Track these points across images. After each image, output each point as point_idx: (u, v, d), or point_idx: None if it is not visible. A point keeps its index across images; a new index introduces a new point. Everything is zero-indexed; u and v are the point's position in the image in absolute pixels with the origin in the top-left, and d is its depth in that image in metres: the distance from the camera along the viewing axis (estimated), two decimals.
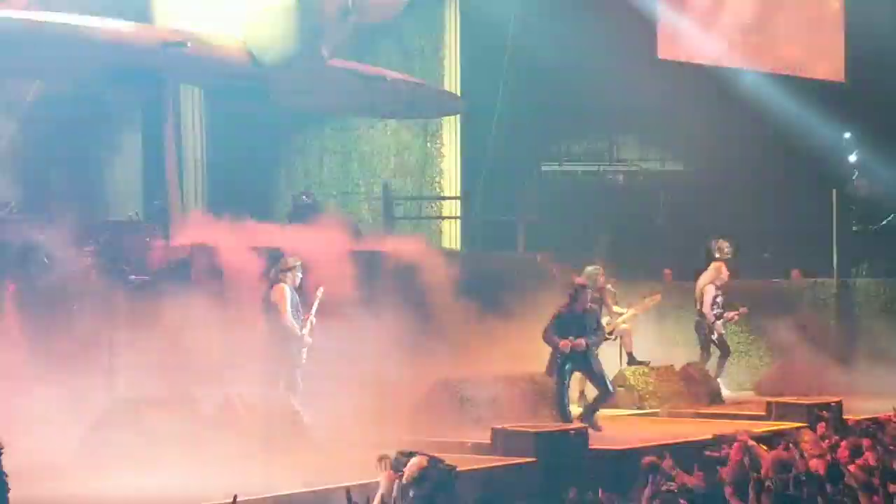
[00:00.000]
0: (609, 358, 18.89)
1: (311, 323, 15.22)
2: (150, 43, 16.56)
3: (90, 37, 16.17)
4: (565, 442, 13.41)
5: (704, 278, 19.96)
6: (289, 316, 15.02)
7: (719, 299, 19.88)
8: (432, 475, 9.43)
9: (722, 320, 19.87)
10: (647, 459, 11.26)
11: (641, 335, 19.54)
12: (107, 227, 17.90)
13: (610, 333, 18.67)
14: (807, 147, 25.85)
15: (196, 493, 10.63)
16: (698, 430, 15.07)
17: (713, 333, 19.83)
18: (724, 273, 19.98)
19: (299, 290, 15.47)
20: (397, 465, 9.65)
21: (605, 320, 18.72)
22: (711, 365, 19.95)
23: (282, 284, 15.21)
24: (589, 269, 18.87)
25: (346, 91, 19.29)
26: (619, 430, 16.00)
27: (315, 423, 14.34)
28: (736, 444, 12.23)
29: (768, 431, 14.81)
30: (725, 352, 20.11)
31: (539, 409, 16.16)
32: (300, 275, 15.41)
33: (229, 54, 17.22)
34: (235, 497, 7.56)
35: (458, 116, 25.41)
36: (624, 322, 19.14)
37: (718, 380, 19.70)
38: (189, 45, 16.65)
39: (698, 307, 19.92)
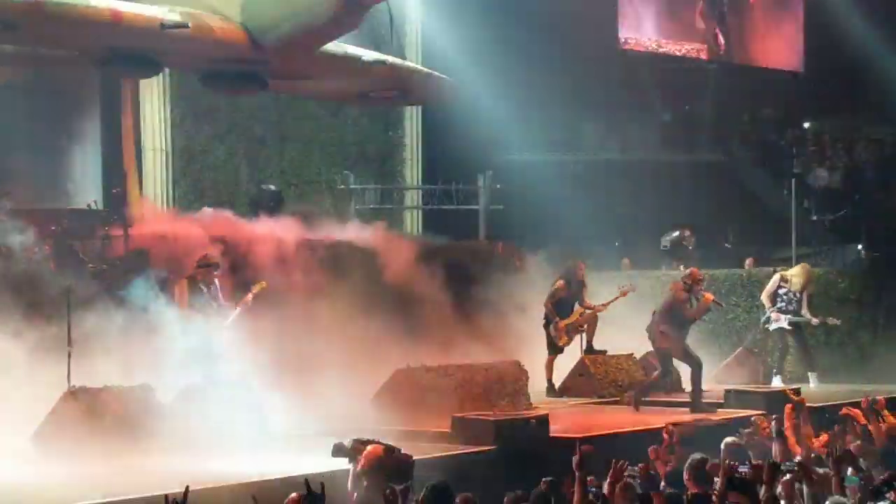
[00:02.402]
0: (569, 347, 18.97)
1: (237, 312, 15.18)
2: (149, 24, 16.40)
3: (88, 16, 16.01)
4: (525, 430, 13.43)
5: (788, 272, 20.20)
6: (186, 309, 14.96)
7: (782, 291, 19.94)
8: (388, 464, 9.41)
9: (787, 317, 19.87)
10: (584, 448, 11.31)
11: (605, 324, 19.54)
12: (65, 215, 17.83)
13: (580, 326, 18.82)
14: (767, 137, 25.98)
15: (151, 482, 10.59)
16: (657, 418, 15.11)
17: (769, 324, 20.02)
18: (801, 273, 20.12)
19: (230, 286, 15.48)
20: (353, 454, 9.63)
21: (577, 312, 18.81)
22: (774, 360, 20.17)
23: (186, 279, 15.19)
24: (568, 262, 19.05)
25: (345, 76, 19.17)
26: (578, 417, 16.03)
27: (275, 412, 14.31)
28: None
29: (726, 419, 14.88)
30: (784, 349, 20.16)
31: (499, 397, 16.16)
32: (216, 273, 15.35)
33: (228, 36, 17.08)
34: (187, 488, 7.51)
35: (419, 106, 25.38)
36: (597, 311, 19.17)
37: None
38: (190, 25, 16.50)
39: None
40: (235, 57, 17.42)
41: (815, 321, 20.07)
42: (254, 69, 17.97)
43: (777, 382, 19.44)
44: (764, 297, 20.00)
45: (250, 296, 15.37)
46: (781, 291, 19.94)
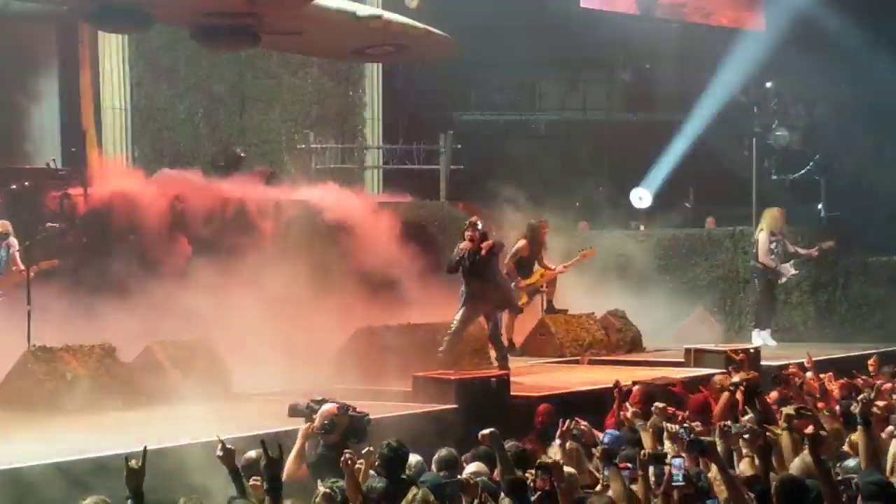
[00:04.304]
0: (531, 306, 19.02)
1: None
2: None
3: None
4: (486, 389, 13.45)
5: (761, 225, 20.06)
6: None
7: (773, 246, 19.80)
8: (343, 423, 9.42)
9: (790, 263, 19.84)
10: (543, 407, 11.38)
11: (564, 283, 19.58)
12: (23, 173, 17.73)
13: (541, 286, 18.84)
14: (727, 96, 26.01)
15: (112, 442, 10.57)
16: (617, 377, 15.13)
17: (781, 279, 19.96)
18: (775, 219, 19.97)
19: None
20: (309, 414, 9.63)
21: (538, 273, 18.82)
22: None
23: None
24: (532, 222, 18.96)
25: (339, 32, 18.96)
26: (539, 377, 16.07)
27: (238, 372, 14.30)
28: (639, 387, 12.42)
29: (687, 378, 14.95)
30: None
31: (461, 356, 16.18)
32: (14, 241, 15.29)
33: None
34: (145, 449, 7.49)
35: (381, 65, 25.29)
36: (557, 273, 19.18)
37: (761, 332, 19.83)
38: None
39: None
40: (228, 10, 17.19)
41: (814, 253, 20.10)
42: (246, 24, 17.76)
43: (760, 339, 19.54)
44: (764, 259, 19.83)
45: (37, 268, 15.27)
46: (773, 246, 19.85)
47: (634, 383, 12.98)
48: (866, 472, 8.37)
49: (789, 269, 19.87)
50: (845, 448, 10.02)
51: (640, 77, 28.42)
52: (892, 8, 24.82)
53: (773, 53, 25.72)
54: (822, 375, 13.63)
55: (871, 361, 15.03)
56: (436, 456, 9.46)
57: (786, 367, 14.82)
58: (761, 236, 19.94)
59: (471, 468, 9.22)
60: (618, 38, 26.53)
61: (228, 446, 7.93)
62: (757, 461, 8.79)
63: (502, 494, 8.41)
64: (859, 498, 7.97)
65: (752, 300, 20.50)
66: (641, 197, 24.97)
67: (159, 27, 19.47)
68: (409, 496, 8.01)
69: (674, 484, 7.99)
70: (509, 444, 9.75)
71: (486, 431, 9.16)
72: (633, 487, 8.36)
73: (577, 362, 17.98)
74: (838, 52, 25.11)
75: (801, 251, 19.97)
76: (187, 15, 17.97)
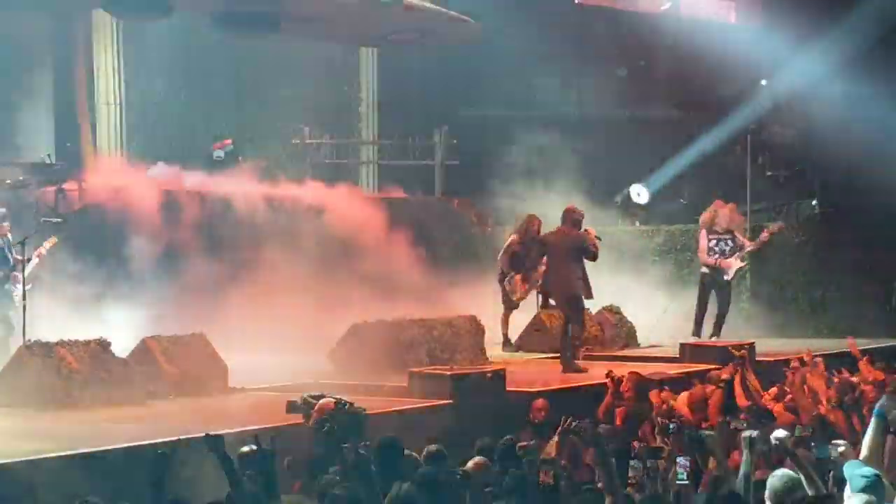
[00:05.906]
0: (526, 302, 19.04)
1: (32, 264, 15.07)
2: None
3: None
4: (482, 384, 13.46)
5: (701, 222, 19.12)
6: None
7: (713, 244, 18.70)
8: (339, 418, 9.41)
9: (737, 268, 18.73)
10: (539, 403, 11.39)
11: None
12: (18, 168, 17.72)
13: (536, 281, 18.83)
14: (722, 92, 26.01)
15: (109, 436, 10.58)
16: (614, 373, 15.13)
17: (727, 276, 18.75)
18: (720, 217, 18.86)
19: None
20: (306, 409, 9.63)
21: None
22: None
23: None
24: (523, 217, 18.92)
25: (361, 17, 18.87)
26: (534, 372, 16.08)
27: (235, 366, 14.31)
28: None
29: (682, 373, 14.97)
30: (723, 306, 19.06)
31: (456, 351, 16.20)
32: (6, 224, 15.28)
33: None
34: (179, 440, 7.49)
35: (377, 61, 25.28)
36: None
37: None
38: None
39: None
40: None
41: (750, 247, 19.02)
42: (267, 10, 17.68)
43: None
44: (701, 258, 18.98)
45: (43, 249, 15.28)
46: (712, 244, 18.74)
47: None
48: (855, 464, 8.31)
49: (732, 265, 18.74)
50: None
51: (635, 73, 28.39)
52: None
53: (768, 50, 25.73)
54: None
55: (863, 360, 14.97)
56: (424, 451, 9.47)
57: (783, 363, 14.80)
58: (699, 235, 19.05)
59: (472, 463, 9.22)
60: (613, 34, 26.53)
61: (214, 433, 7.82)
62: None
63: None
64: (847, 490, 7.93)
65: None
66: (639, 193, 24.95)
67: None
68: (392, 493, 7.97)
69: (678, 482, 8.01)
70: (504, 439, 9.76)
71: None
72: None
73: None
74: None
75: (749, 245, 19.14)
76: (207, 2, 17.93)
